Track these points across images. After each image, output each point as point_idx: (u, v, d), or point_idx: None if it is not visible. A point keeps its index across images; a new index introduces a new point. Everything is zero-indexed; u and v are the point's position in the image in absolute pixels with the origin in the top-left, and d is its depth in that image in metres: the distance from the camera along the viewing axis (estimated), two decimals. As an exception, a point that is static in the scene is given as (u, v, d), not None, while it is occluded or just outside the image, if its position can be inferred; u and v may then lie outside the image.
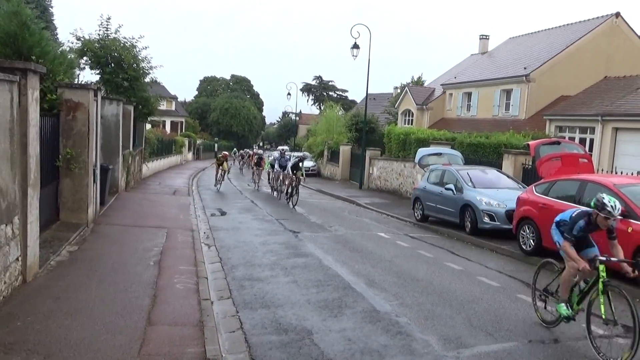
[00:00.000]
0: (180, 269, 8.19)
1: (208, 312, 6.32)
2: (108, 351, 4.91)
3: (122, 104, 16.73)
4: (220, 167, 22.71)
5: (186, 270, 8.15)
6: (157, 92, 23.93)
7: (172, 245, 9.85)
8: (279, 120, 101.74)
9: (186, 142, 46.52)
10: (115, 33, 18.94)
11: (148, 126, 28.53)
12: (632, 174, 12.02)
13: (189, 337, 5.44)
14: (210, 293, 7.23)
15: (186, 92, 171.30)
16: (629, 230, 8.34)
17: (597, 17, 29.36)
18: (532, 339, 6.03)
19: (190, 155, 49.73)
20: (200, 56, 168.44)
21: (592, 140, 21.26)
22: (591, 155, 17.05)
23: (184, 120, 63.96)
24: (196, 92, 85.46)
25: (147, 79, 20.37)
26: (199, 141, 56.85)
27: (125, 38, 19.07)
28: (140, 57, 19.22)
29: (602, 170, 17.39)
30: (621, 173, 14.19)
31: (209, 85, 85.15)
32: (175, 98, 64.48)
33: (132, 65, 18.83)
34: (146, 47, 19.79)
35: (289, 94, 58.25)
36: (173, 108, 62.41)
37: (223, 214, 15.49)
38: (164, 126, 53.15)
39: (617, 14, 28.14)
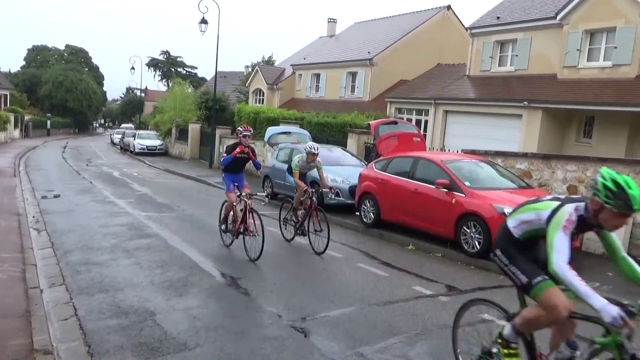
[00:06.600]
0: (3, 256, 7.33)
1: (37, 301, 5.76)
2: None
3: None
4: None
5: (10, 257, 7.32)
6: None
7: (-7, 231, 8.78)
8: (123, 96, 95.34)
9: (12, 118, 41.54)
10: None
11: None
12: (457, 152, 13.37)
13: (13, 329, 4.91)
14: (39, 281, 6.58)
15: (11, 61, 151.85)
16: (453, 202, 9.28)
17: (432, 9, 31.86)
18: (370, 303, 6.45)
19: (17, 133, 44.59)
20: (28, 22, 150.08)
21: (426, 122, 23.20)
22: (425, 135, 18.67)
23: (8, 93, 56.71)
24: (24, 62, 76.11)
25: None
26: (27, 117, 51.00)
27: None
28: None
29: (434, 148, 19.16)
30: (449, 151, 15.73)
31: (39, 55, 76.21)
32: (-3, 68, 56.99)
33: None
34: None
35: (132, 68, 54.19)
36: (-5, 79, 55.01)
37: (56, 196, 14.16)
38: (-16, 99, 46.78)
39: (448, 7, 30.79)
